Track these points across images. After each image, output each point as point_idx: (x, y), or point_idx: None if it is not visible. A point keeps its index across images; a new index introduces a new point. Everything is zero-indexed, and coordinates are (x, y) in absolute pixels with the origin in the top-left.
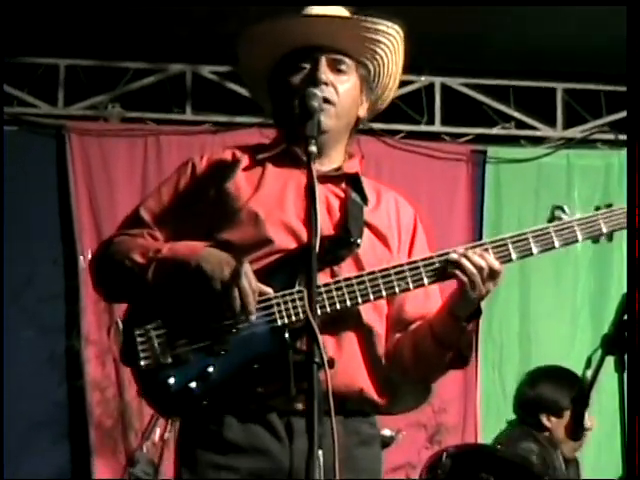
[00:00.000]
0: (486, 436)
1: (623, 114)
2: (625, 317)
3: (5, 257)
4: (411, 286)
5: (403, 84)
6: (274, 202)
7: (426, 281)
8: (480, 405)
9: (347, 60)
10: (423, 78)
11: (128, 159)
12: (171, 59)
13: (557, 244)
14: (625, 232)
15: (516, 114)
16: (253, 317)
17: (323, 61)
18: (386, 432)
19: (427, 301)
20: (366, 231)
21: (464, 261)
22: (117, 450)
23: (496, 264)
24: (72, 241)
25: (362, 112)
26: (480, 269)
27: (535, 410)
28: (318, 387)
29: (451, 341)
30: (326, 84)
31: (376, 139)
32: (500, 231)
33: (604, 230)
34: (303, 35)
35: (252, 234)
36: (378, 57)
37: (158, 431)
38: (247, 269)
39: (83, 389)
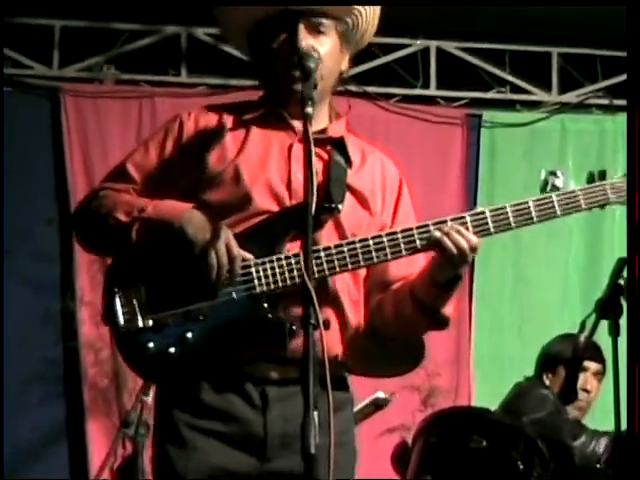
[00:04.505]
0: (479, 399)
1: (618, 79)
2: (619, 281)
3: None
4: (389, 257)
5: (399, 47)
6: (257, 163)
7: (404, 252)
8: (473, 369)
9: (325, 21)
10: (419, 42)
11: (123, 121)
12: (166, 21)
13: (535, 219)
14: None
15: (511, 78)
16: (235, 282)
17: (301, 27)
18: (380, 394)
19: (410, 263)
20: (348, 195)
21: (446, 241)
22: (111, 411)
23: (474, 240)
24: (67, 202)
25: (344, 66)
26: (462, 250)
27: (540, 367)
28: (313, 349)
29: (431, 305)
30: (307, 49)
31: (371, 102)
32: (494, 195)
33: (583, 206)
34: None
35: (234, 193)
36: (355, 11)
37: (152, 392)
38: (229, 235)
39: (77, 349)
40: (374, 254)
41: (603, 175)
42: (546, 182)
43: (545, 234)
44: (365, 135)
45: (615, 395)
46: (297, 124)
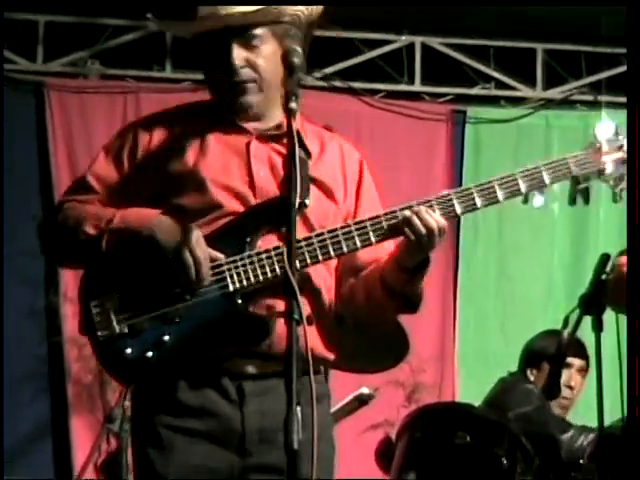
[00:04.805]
0: (464, 395)
1: (603, 75)
2: (603, 277)
3: None
4: (359, 245)
5: (383, 43)
6: (218, 168)
7: (373, 240)
8: (458, 364)
9: (258, 31)
10: (404, 37)
11: (107, 116)
12: None
13: (501, 197)
14: (603, 196)
15: (496, 74)
16: (206, 283)
17: (234, 45)
18: (364, 390)
19: (379, 246)
20: (312, 187)
21: (415, 220)
22: (95, 407)
23: (442, 221)
24: (51, 198)
25: None
26: (431, 230)
27: (524, 362)
28: (297, 344)
29: (400, 290)
30: (242, 66)
31: (356, 98)
32: None
33: (547, 182)
34: (209, 20)
35: (199, 200)
36: (291, 11)
37: None
38: (198, 236)
39: (61, 345)
40: (344, 244)
41: None
42: None
43: (529, 231)
44: (351, 131)
45: (598, 391)
46: (249, 125)
